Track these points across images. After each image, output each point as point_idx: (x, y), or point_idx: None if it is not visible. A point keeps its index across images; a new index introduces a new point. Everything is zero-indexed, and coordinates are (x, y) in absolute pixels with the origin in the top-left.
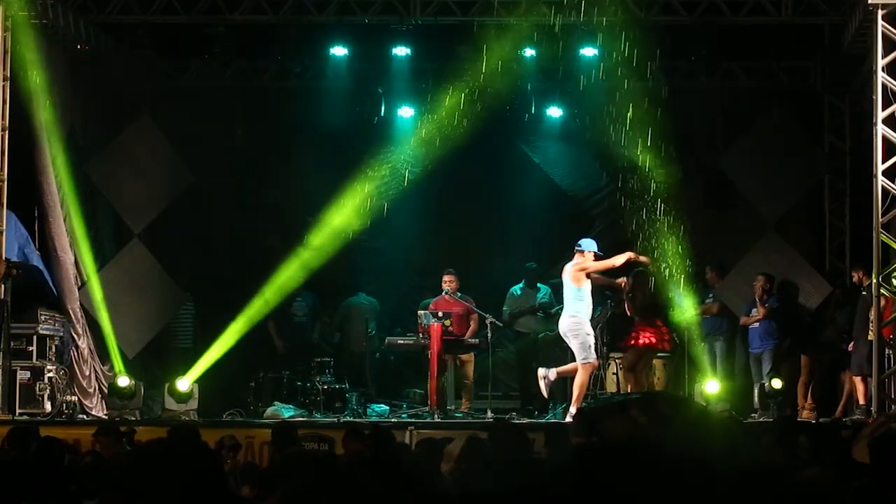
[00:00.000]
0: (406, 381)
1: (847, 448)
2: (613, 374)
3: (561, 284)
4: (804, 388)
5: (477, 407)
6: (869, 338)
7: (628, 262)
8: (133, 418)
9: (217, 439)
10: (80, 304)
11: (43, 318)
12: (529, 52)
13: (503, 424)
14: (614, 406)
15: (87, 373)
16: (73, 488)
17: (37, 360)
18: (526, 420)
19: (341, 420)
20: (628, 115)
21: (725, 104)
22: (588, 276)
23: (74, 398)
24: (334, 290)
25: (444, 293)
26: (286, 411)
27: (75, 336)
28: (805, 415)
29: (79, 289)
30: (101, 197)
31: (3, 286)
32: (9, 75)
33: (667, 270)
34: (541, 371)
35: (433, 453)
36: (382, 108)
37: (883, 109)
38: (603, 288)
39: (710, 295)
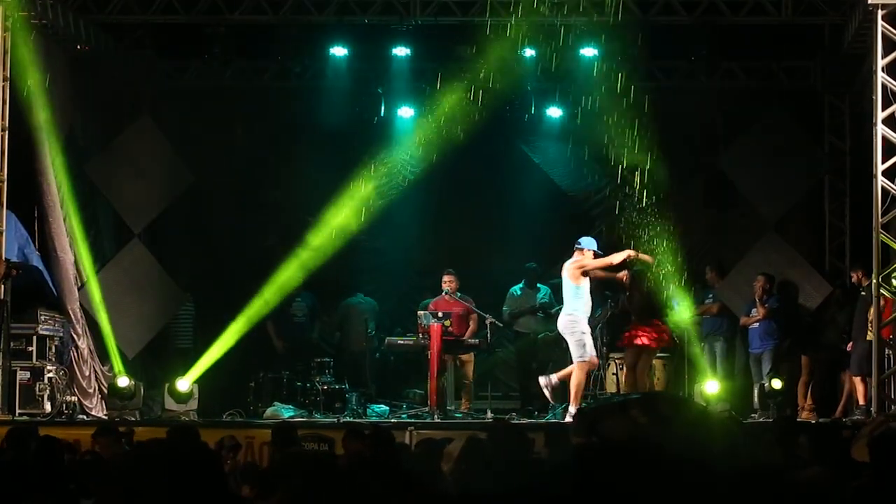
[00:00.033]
0: (406, 381)
1: (847, 448)
2: (613, 374)
3: (561, 284)
4: (804, 389)
5: (477, 407)
6: (868, 338)
7: (628, 261)
8: (133, 419)
9: (217, 439)
10: (80, 304)
11: (43, 318)
12: (529, 52)
13: (502, 424)
14: (614, 406)
15: (87, 373)
16: (73, 487)
17: (37, 360)
18: (526, 420)
19: (341, 420)
20: (628, 115)
21: (725, 104)
22: (586, 273)
23: (74, 398)
24: (334, 290)
25: (443, 293)
26: (286, 411)
27: (75, 336)
28: (805, 415)
29: (79, 289)
30: (101, 197)
31: (3, 286)
32: (8, 76)
33: (664, 271)
34: (542, 380)
35: (433, 453)
36: (382, 108)
37: (883, 109)
38: (604, 284)
39: (710, 295)
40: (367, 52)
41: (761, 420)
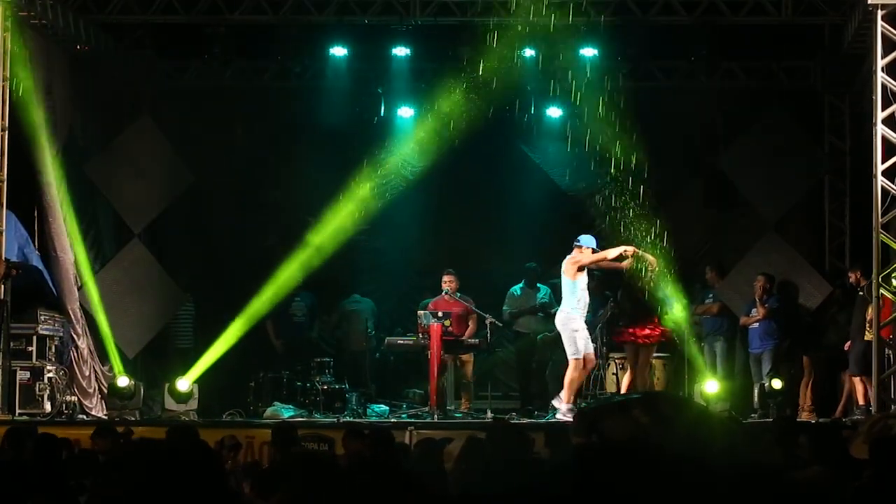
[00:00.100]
0: (406, 381)
1: (846, 447)
2: (613, 374)
3: (561, 284)
4: (807, 389)
5: (477, 407)
6: (866, 338)
7: (624, 256)
8: (133, 418)
9: (217, 439)
10: (80, 304)
11: (43, 318)
12: (529, 52)
13: (502, 424)
14: (615, 406)
15: (87, 373)
16: (72, 484)
17: (37, 360)
18: (525, 420)
19: (341, 420)
20: (628, 115)
21: (725, 104)
22: (582, 268)
23: (74, 398)
24: (334, 290)
25: (443, 293)
26: (286, 411)
27: (75, 336)
28: (804, 415)
29: (79, 289)
30: (101, 197)
31: (3, 286)
32: (8, 75)
33: (660, 272)
34: (563, 407)
35: (433, 453)
36: (382, 109)
37: (883, 109)
38: (604, 284)
39: (710, 295)
40: (366, 52)
41: (761, 420)
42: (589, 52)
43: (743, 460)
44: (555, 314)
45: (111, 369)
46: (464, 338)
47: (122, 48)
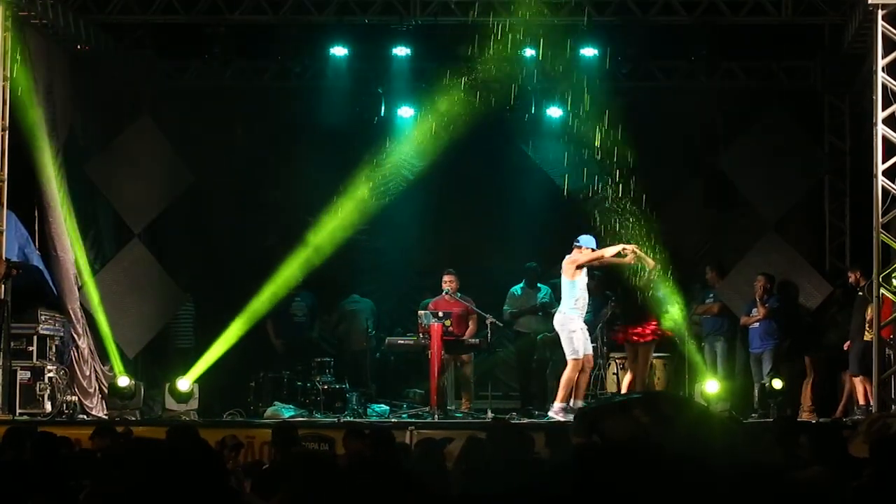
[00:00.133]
0: (406, 381)
1: (846, 447)
2: (613, 374)
3: (561, 283)
4: (807, 389)
5: (477, 407)
6: (865, 338)
7: (622, 254)
8: (133, 418)
9: (217, 439)
10: (80, 303)
11: (43, 318)
12: (529, 52)
13: (501, 424)
14: (615, 406)
15: (88, 373)
16: (72, 484)
17: (37, 360)
18: (526, 420)
19: (341, 420)
20: (628, 115)
21: (725, 104)
22: (580, 267)
23: (74, 398)
24: (334, 290)
25: (443, 293)
26: (286, 411)
27: (75, 336)
28: (805, 415)
29: (79, 289)
30: (101, 197)
31: (3, 286)
32: (9, 75)
33: (658, 273)
34: (556, 405)
35: (433, 453)
36: (382, 108)
37: (883, 109)
38: (604, 284)
39: (711, 295)
40: (367, 52)
41: (761, 420)
42: (589, 52)
43: (743, 460)
44: (555, 314)
45: (111, 369)
46: (464, 338)
47: (122, 48)
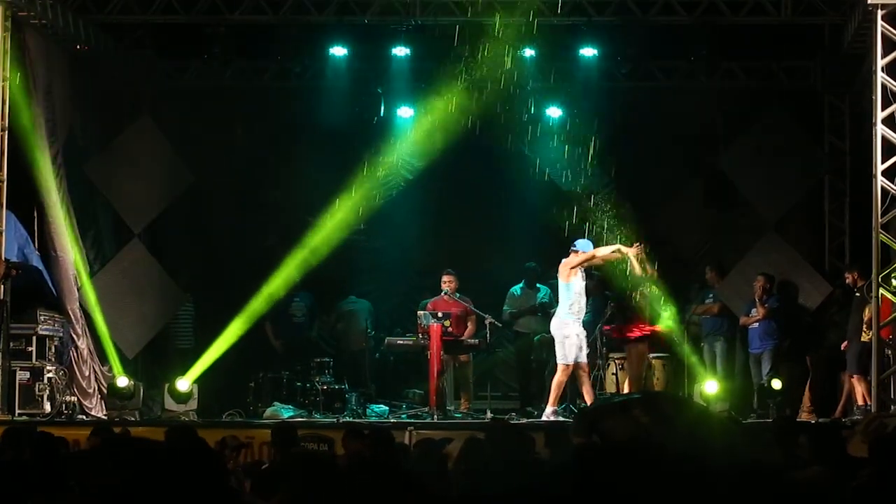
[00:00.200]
0: (406, 381)
1: (845, 447)
2: (613, 374)
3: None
4: (806, 389)
5: (476, 407)
6: (863, 338)
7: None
8: (133, 419)
9: (216, 440)
10: (80, 304)
11: (42, 318)
12: (529, 52)
13: (500, 424)
14: (615, 406)
15: (87, 373)
16: (72, 483)
17: (36, 360)
18: (525, 420)
19: (341, 420)
20: (628, 115)
21: (725, 104)
22: (574, 270)
23: (74, 399)
24: (334, 290)
25: (442, 293)
26: (286, 412)
27: (75, 336)
28: (804, 415)
29: (78, 289)
30: (101, 197)
31: (2, 286)
32: (8, 75)
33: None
34: (547, 409)
35: (432, 454)
36: (382, 109)
37: (882, 109)
38: (604, 284)
39: (710, 295)
40: (366, 52)
41: (761, 420)
42: (589, 52)
43: (743, 460)
44: (554, 314)
45: (111, 369)
46: (463, 338)
47: (122, 48)
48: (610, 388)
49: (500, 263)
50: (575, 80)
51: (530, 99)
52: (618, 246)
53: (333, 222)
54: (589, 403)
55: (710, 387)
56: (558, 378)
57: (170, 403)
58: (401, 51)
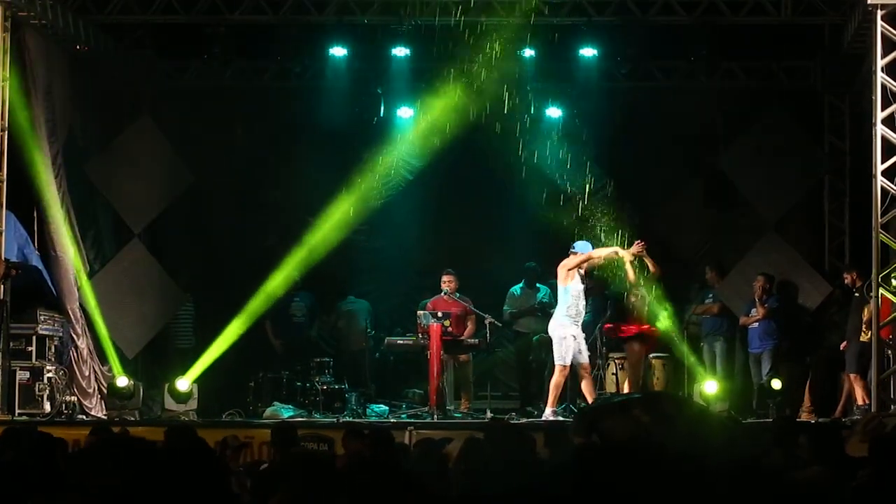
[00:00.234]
0: (406, 381)
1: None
2: (613, 374)
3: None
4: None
5: (476, 407)
6: (862, 338)
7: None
8: (133, 418)
9: (216, 439)
10: (80, 303)
11: (42, 318)
12: (529, 52)
13: (500, 424)
14: (615, 406)
15: (87, 373)
16: (72, 483)
17: (36, 360)
18: (525, 420)
19: (341, 420)
20: (627, 115)
21: (725, 104)
22: (571, 272)
23: (74, 398)
24: (334, 289)
25: (442, 293)
26: (285, 411)
27: (74, 336)
28: (804, 415)
29: (78, 289)
30: (101, 197)
31: (2, 286)
32: (8, 75)
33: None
34: (546, 411)
35: (432, 453)
36: (382, 109)
37: (882, 109)
38: (603, 284)
39: (710, 295)
40: (366, 53)
41: (761, 420)
42: (589, 52)
43: (742, 460)
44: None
45: (111, 369)
46: (463, 338)
47: (122, 48)
48: (610, 387)
49: (500, 263)
50: (575, 81)
51: (530, 99)
52: (615, 248)
53: (333, 222)
54: (590, 402)
55: (709, 387)
56: (555, 379)
57: (170, 403)
58: (401, 51)
